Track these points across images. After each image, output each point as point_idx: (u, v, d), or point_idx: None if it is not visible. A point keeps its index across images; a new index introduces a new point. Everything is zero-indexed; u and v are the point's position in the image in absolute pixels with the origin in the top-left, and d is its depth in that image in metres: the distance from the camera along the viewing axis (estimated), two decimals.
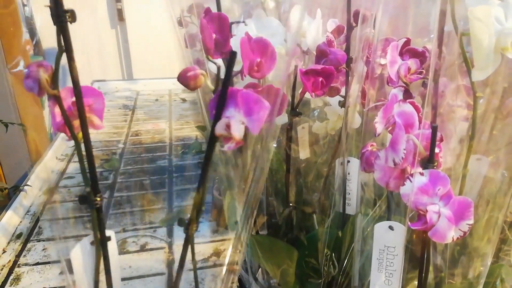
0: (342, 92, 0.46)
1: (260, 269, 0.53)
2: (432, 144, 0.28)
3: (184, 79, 0.26)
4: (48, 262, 0.72)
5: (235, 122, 0.23)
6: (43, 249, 0.75)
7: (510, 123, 0.50)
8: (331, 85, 0.43)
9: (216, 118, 0.23)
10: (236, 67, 0.42)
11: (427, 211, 0.28)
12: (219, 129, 0.24)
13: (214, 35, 0.36)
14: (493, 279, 0.40)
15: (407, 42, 0.36)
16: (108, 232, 0.29)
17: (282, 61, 0.45)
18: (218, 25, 0.36)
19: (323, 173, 0.53)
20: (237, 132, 0.23)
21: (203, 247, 0.76)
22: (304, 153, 0.57)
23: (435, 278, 0.40)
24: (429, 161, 0.28)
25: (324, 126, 0.53)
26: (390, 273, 0.39)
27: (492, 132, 0.52)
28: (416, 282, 0.42)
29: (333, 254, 0.50)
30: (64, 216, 0.88)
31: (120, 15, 2.20)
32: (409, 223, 0.29)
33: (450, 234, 0.27)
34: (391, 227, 0.37)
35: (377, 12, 0.34)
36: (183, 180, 1.01)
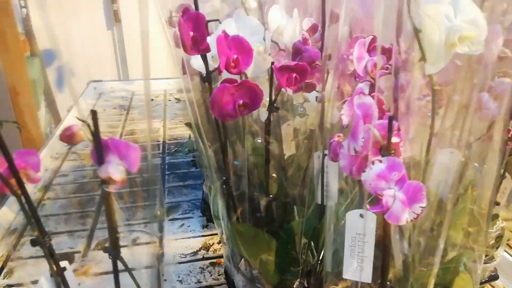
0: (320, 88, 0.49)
1: (242, 259, 0.55)
2: (389, 133, 0.30)
3: (65, 138, 0.29)
4: (41, 256, 0.74)
5: (113, 165, 0.27)
6: None
7: (481, 118, 0.52)
8: (307, 81, 0.45)
9: (99, 164, 0.27)
10: (215, 64, 0.44)
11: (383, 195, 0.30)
12: (103, 173, 0.27)
13: (191, 33, 0.38)
14: (455, 264, 0.42)
15: (374, 39, 0.38)
16: (64, 263, 0.35)
17: (261, 59, 0.47)
18: (196, 24, 0.38)
19: (303, 167, 0.55)
20: (117, 174, 0.28)
21: (192, 241, 0.78)
22: (289, 149, 0.59)
23: (403, 265, 0.42)
24: (386, 149, 0.30)
25: (304, 122, 0.55)
26: (362, 259, 0.41)
27: (465, 126, 0.54)
28: (391, 273, 0.45)
29: (313, 244, 0.52)
30: (58, 212, 0.90)
31: (116, 17, 2.23)
32: (368, 206, 0.31)
33: (404, 216, 0.29)
34: (361, 215, 0.39)
35: (341, 10, 0.36)
36: (175, 177, 1.03)
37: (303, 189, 0.54)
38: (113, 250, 0.36)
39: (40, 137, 1.29)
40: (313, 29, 0.46)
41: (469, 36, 0.28)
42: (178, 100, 1.68)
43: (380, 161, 0.31)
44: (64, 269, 0.31)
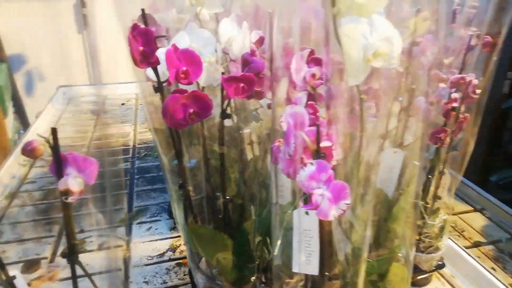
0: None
1: (203, 258, 0.57)
2: (317, 139, 0.33)
3: (26, 153, 0.32)
4: (7, 264, 0.75)
5: (71, 178, 0.31)
6: (2, 251, 0.78)
7: (419, 119, 0.57)
8: (256, 89, 0.49)
9: (58, 177, 0.29)
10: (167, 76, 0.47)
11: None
12: (62, 186, 0.31)
13: (141, 48, 0.40)
14: (390, 254, 0.46)
15: (312, 52, 0.42)
16: (14, 272, 0.36)
17: (213, 69, 0.50)
18: (145, 39, 0.40)
19: (259, 169, 0.58)
20: (75, 186, 0.31)
21: (159, 244, 0.80)
22: (250, 153, 0.63)
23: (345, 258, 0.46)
24: (316, 153, 0.34)
25: (259, 126, 0.58)
26: (309, 254, 0.45)
27: (406, 127, 0.59)
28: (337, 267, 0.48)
29: (269, 240, 0.55)
30: (25, 219, 0.90)
31: (86, 21, 2.21)
32: (301, 204, 0.34)
33: (331, 212, 0.33)
34: (306, 213, 0.42)
35: (273, 22, 0.39)
36: (144, 181, 1.05)
37: (259, 190, 0.58)
38: (71, 256, 0.38)
39: (7, 143, 1.27)
40: (260, 41, 0.49)
41: (383, 52, 0.32)
42: None
43: (312, 164, 0.34)
44: (14, 277, 0.33)
